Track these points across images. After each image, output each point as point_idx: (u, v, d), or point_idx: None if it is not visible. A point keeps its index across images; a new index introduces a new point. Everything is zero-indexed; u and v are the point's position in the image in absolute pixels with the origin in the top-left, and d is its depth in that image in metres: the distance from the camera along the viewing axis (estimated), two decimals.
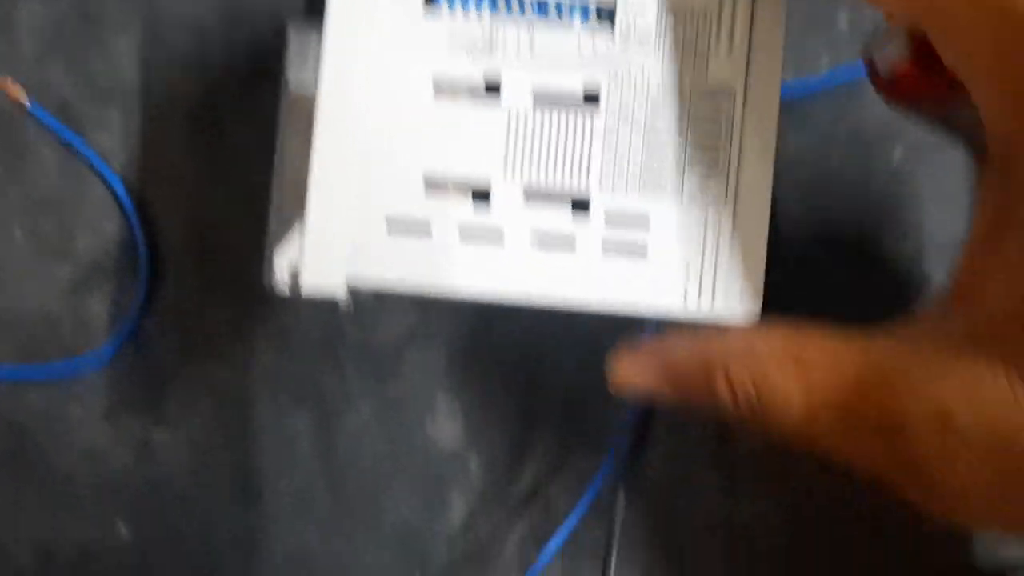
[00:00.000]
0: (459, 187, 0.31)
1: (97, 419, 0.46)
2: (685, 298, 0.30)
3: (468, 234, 0.31)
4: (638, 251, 0.30)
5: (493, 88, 0.31)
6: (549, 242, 0.30)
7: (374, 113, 0.33)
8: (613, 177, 0.30)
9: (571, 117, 0.30)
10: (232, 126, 0.47)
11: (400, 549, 0.47)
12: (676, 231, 0.29)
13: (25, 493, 0.46)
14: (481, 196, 0.31)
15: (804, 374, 0.25)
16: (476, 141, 0.31)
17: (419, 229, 0.32)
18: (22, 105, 0.46)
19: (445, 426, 0.47)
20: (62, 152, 0.46)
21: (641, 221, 0.30)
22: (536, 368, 0.47)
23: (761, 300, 0.31)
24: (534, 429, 0.47)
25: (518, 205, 0.31)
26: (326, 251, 0.32)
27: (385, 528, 0.47)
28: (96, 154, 0.46)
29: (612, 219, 0.30)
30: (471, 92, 0.31)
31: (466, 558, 0.48)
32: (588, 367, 0.47)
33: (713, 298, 0.30)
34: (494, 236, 0.31)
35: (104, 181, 0.46)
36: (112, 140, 0.47)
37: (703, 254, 0.30)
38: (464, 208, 0.31)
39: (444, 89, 0.32)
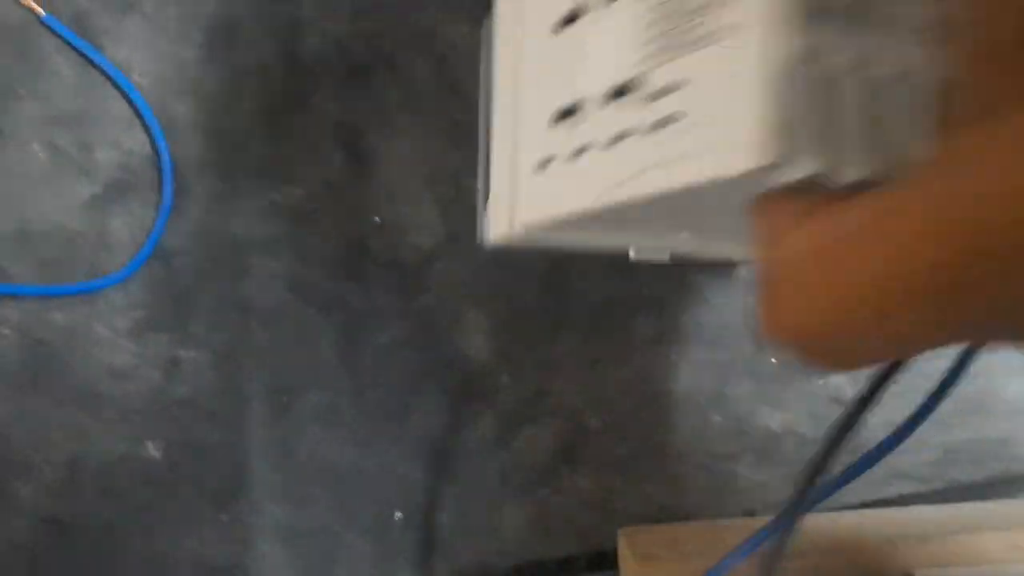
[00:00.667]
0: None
1: (122, 337, 0.45)
2: None
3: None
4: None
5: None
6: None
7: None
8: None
9: None
10: (253, 38, 0.46)
11: (430, 461, 0.47)
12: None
13: (53, 411, 0.45)
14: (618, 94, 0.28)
15: None
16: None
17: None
18: (36, 15, 0.45)
19: (474, 339, 0.47)
20: (79, 64, 0.45)
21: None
22: (563, 280, 0.47)
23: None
24: (561, 343, 0.47)
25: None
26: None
27: (414, 441, 0.47)
28: (114, 66, 0.45)
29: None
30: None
31: (497, 472, 0.47)
32: (615, 275, 0.47)
33: None
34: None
35: (123, 94, 0.45)
36: (131, 51, 0.46)
37: None
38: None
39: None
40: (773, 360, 0.47)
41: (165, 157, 0.45)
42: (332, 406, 0.46)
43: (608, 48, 0.27)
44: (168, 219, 0.45)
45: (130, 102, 0.45)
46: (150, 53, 0.46)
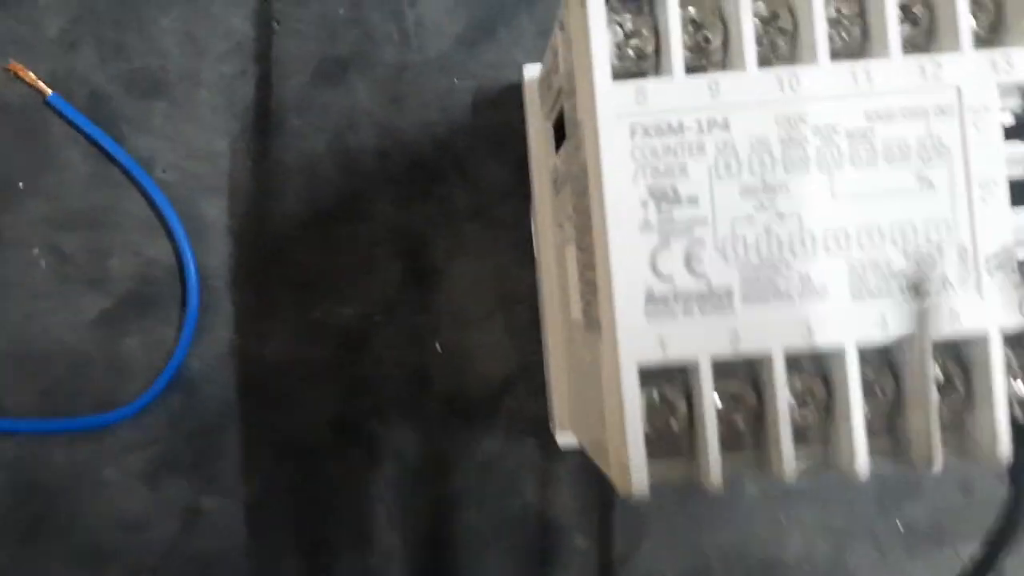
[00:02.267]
0: None
1: (135, 480, 0.38)
2: None
3: None
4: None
5: None
6: None
7: None
8: None
9: None
10: (299, 129, 0.39)
11: None
12: None
13: (51, 567, 0.38)
14: None
15: None
16: None
17: None
18: (41, 93, 0.38)
19: (547, 492, 0.39)
20: (92, 156, 0.38)
21: None
22: None
23: None
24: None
25: None
26: None
27: None
28: (134, 159, 0.38)
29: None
30: None
31: None
32: None
33: None
34: None
35: (144, 192, 0.38)
36: (155, 142, 0.39)
37: None
38: None
39: None
40: (899, 525, 0.40)
41: (191, 267, 0.38)
42: (379, 570, 0.39)
43: None
44: (192, 340, 0.38)
45: (151, 202, 0.38)
46: (177, 145, 0.39)
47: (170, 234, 0.38)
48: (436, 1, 0.39)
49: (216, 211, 0.39)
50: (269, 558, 0.39)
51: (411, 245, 0.39)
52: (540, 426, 0.39)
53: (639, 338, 0.24)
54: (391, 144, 0.39)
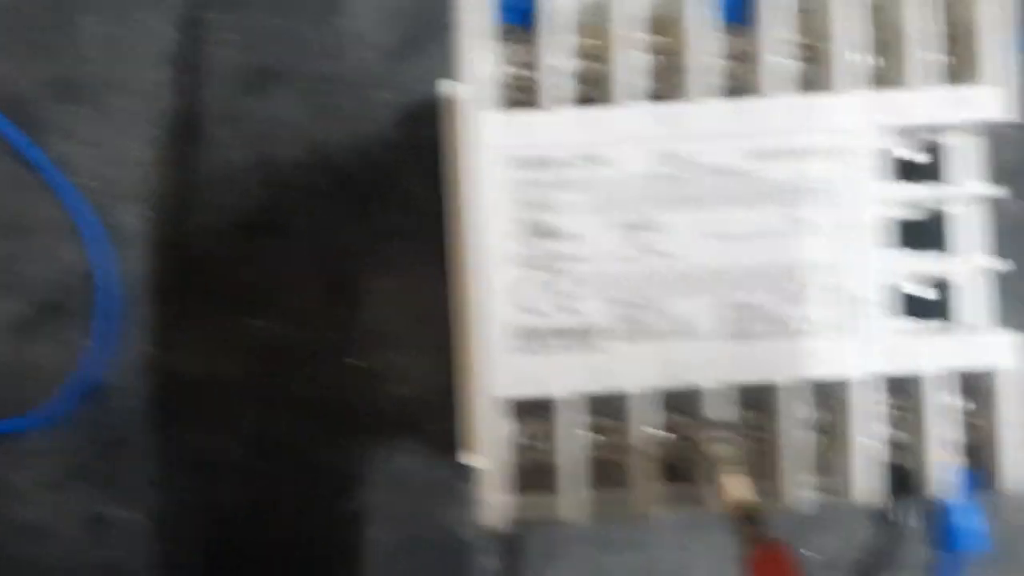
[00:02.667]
0: None
1: (41, 488, 0.38)
2: None
3: None
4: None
5: None
6: None
7: None
8: None
9: None
10: (222, 139, 0.38)
11: None
12: None
13: None
14: None
15: None
16: None
17: None
18: None
19: (462, 513, 0.39)
20: (10, 160, 0.38)
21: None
22: None
23: None
24: None
25: None
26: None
27: None
28: (53, 164, 0.38)
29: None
30: None
31: None
32: None
33: None
34: None
35: (62, 198, 0.38)
36: (75, 148, 0.38)
37: None
38: None
39: None
40: (806, 555, 0.40)
41: (108, 276, 0.38)
42: None
43: None
44: (106, 349, 0.38)
45: (70, 209, 0.38)
46: (99, 151, 0.38)
47: (88, 241, 0.38)
48: (365, 14, 0.39)
49: (136, 220, 0.38)
50: (173, 570, 0.38)
51: (332, 260, 0.39)
52: (453, 446, 0.38)
53: (504, 372, 0.24)
54: (315, 157, 0.39)
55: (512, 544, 0.39)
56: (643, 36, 0.24)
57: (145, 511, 0.38)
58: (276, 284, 0.38)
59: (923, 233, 0.27)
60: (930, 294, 0.26)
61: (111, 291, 0.38)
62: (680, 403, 0.25)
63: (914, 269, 0.25)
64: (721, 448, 0.23)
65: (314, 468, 0.38)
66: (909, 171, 0.25)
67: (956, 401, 0.25)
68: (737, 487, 0.22)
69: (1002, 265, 0.25)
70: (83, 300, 0.38)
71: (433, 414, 0.39)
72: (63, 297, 0.38)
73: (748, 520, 0.22)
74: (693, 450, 0.25)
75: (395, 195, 0.39)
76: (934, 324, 0.26)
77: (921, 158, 0.26)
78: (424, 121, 0.39)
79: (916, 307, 0.27)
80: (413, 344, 0.39)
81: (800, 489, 0.24)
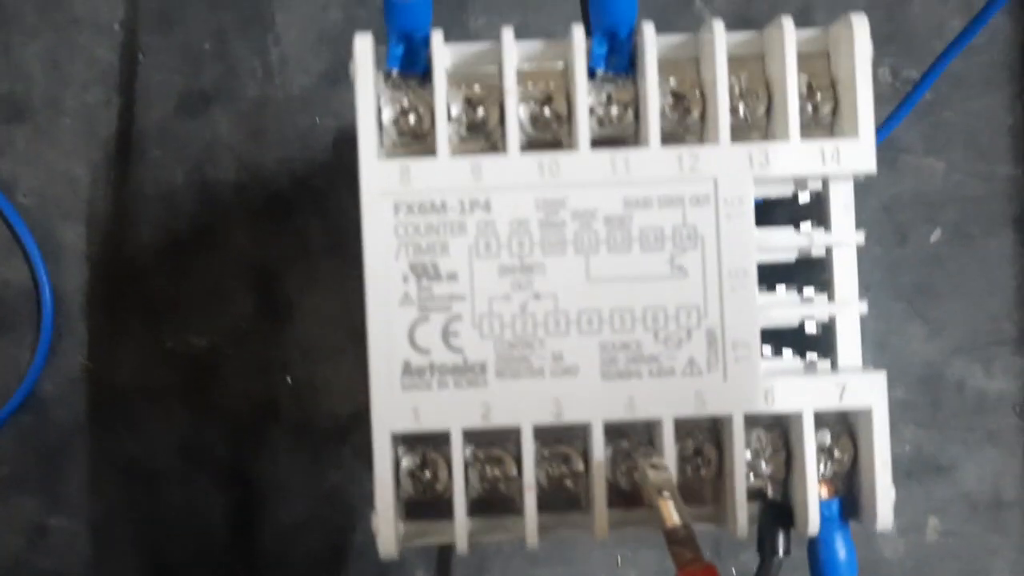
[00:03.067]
0: None
1: None
2: None
3: None
4: None
5: None
6: None
7: None
8: None
9: None
10: (159, 159, 0.39)
11: None
12: None
13: None
14: None
15: None
16: None
17: None
18: None
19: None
20: None
21: None
22: None
23: None
24: None
25: None
26: None
27: None
28: None
29: None
30: None
31: None
32: None
33: None
34: None
35: (1, 215, 0.39)
36: (15, 166, 0.39)
37: None
38: None
39: None
40: (734, 573, 0.41)
41: (46, 290, 0.39)
42: None
43: None
44: (45, 362, 0.39)
45: (8, 224, 0.39)
46: (38, 170, 0.39)
47: (26, 257, 0.39)
48: (301, 38, 0.40)
49: (74, 236, 0.39)
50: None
51: (265, 277, 0.40)
52: None
53: (394, 407, 0.25)
54: (250, 178, 0.40)
55: (443, 556, 0.40)
56: (528, 85, 0.25)
57: (84, 519, 0.39)
58: (210, 299, 0.40)
59: (798, 274, 0.28)
60: (806, 333, 0.28)
61: (50, 306, 0.39)
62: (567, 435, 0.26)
63: (789, 311, 0.26)
64: (654, 474, 0.24)
65: (247, 479, 0.40)
66: (783, 215, 0.27)
67: (829, 438, 0.26)
68: (668, 510, 0.23)
69: (864, 307, 0.26)
70: (21, 314, 0.39)
71: (364, 427, 0.40)
72: (3, 312, 0.39)
73: (677, 543, 0.23)
74: (579, 480, 0.26)
75: (327, 214, 0.40)
76: (810, 363, 0.27)
77: (802, 197, 0.27)
78: (356, 143, 0.40)
79: (793, 345, 0.29)
80: (343, 359, 0.40)
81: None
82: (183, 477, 0.40)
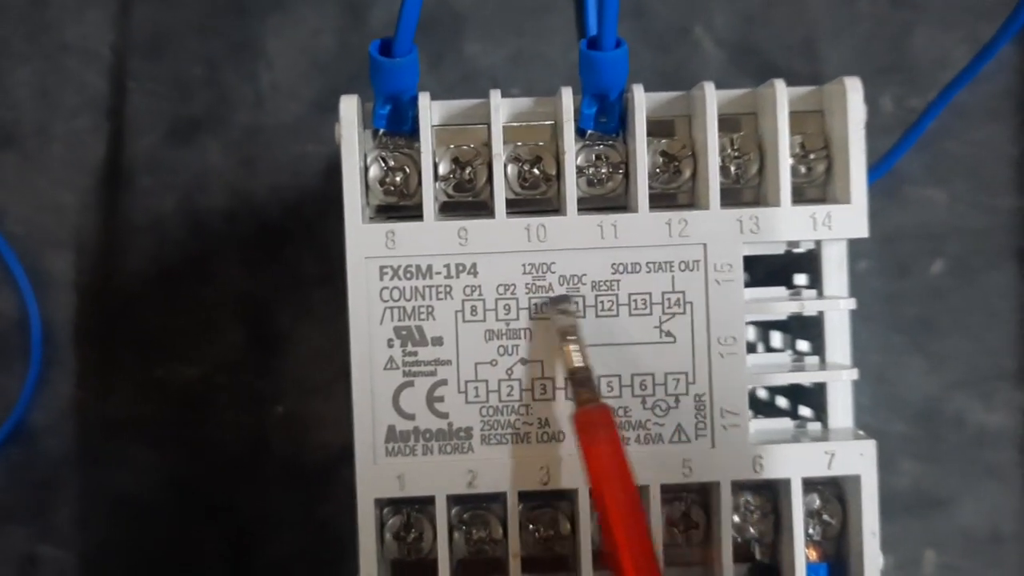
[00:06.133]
0: None
1: None
2: None
3: None
4: None
5: None
6: None
7: None
8: None
9: None
10: (150, 187, 0.39)
11: None
12: None
13: None
14: None
15: None
16: None
17: None
18: None
19: None
20: None
21: None
22: None
23: None
24: None
25: None
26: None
27: None
28: None
29: None
30: None
31: None
32: None
33: None
34: None
35: None
36: (2, 193, 0.39)
37: None
38: None
39: None
40: None
41: (35, 320, 0.39)
42: None
43: None
44: (34, 393, 0.39)
45: None
46: (26, 198, 0.39)
47: (15, 286, 0.39)
48: (293, 65, 0.39)
49: (63, 265, 0.39)
50: None
51: (256, 308, 0.39)
52: None
53: (379, 474, 0.24)
54: (241, 206, 0.39)
55: None
56: (517, 144, 0.25)
57: (75, 550, 0.39)
58: (201, 330, 0.39)
59: (790, 334, 0.28)
60: (797, 397, 0.27)
61: (39, 336, 0.39)
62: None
63: (780, 376, 0.26)
64: (561, 319, 0.24)
65: (237, 512, 0.39)
66: (774, 277, 0.26)
67: (818, 502, 0.26)
68: (571, 353, 0.23)
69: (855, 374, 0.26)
70: (12, 345, 0.39)
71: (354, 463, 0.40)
72: None
73: (578, 383, 0.23)
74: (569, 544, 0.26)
75: (319, 244, 0.39)
76: (800, 423, 0.27)
77: (795, 255, 0.27)
78: None
79: (783, 410, 0.28)
80: (335, 390, 0.39)
81: None
82: (172, 509, 0.39)
